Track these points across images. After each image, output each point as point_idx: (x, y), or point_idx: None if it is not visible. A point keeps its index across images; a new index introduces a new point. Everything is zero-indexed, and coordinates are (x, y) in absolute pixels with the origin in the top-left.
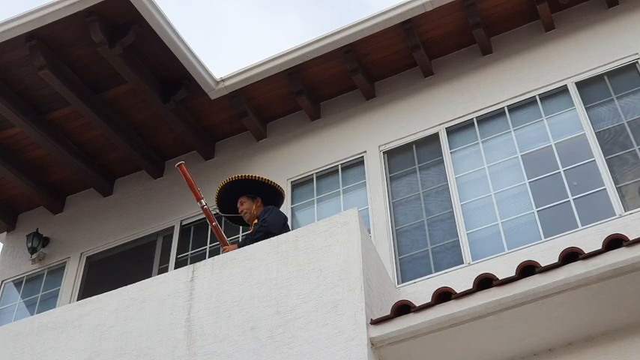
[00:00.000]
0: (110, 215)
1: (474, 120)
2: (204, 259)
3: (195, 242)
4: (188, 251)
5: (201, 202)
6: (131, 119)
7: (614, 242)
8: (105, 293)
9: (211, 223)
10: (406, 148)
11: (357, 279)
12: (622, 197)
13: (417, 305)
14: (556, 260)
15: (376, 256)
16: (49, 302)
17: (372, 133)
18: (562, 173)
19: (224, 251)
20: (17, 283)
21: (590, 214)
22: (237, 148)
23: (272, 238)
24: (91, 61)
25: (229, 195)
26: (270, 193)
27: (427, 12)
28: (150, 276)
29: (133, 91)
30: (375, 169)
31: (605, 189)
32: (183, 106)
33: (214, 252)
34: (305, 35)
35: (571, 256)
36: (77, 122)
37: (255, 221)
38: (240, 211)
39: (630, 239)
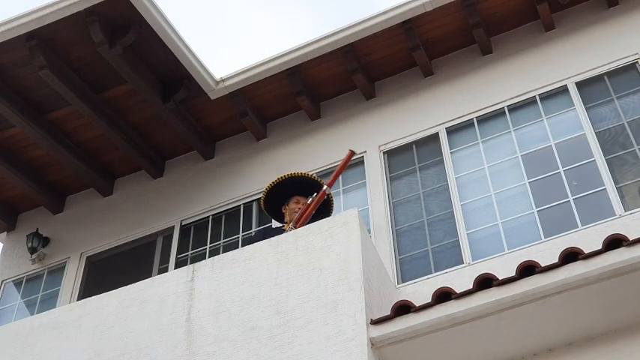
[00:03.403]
0: (110, 215)
1: (474, 120)
2: (204, 259)
3: (195, 242)
4: (188, 251)
5: (328, 189)
6: (131, 119)
7: (614, 242)
8: (105, 293)
9: (314, 208)
10: (406, 148)
11: (357, 279)
12: (622, 197)
13: (417, 305)
14: (556, 260)
15: (376, 256)
16: (49, 302)
17: (372, 133)
18: (562, 173)
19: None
20: (17, 283)
21: (590, 214)
22: (237, 148)
23: (272, 238)
24: (91, 61)
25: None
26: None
27: (427, 12)
28: (150, 276)
29: (133, 91)
30: (375, 169)
31: (605, 189)
32: (183, 106)
33: (214, 252)
34: (310, 34)
35: (571, 256)
36: (77, 122)
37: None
38: (295, 208)
39: (630, 239)
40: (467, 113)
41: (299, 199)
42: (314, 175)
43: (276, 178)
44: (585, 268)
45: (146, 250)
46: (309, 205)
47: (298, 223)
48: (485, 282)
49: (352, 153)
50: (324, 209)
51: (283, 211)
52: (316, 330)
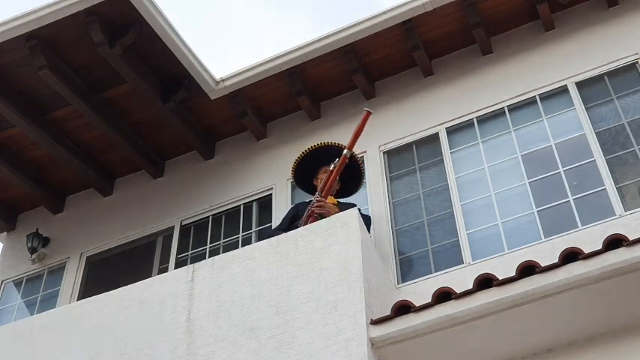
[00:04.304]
0: (110, 215)
1: (474, 120)
2: (204, 259)
3: (195, 242)
4: (188, 251)
5: (350, 152)
6: (131, 119)
7: (614, 242)
8: (105, 293)
9: (337, 173)
10: (406, 148)
11: (357, 279)
12: (622, 197)
13: (417, 305)
14: (556, 260)
15: (376, 256)
16: (49, 302)
17: (372, 133)
18: (562, 173)
19: (320, 203)
20: (17, 283)
21: (590, 214)
22: (237, 148)
23: (272, 238)
24: (91, 61)
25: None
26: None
27: (427, 12)
28: (150, 276)
29: (133, 91)
30: (375, 169)
31: (605, 189)
32: (183, 106)
33: (214, 252)
34: (310, 34)
35: (571, 256)
36: (77, 122)
37: (333, 199)
38: (325, 178)
39: (630, 239)
40: (467, 113)
41: (326, 169)
42: (335, 142)
43: (299, 154)
44: (585, 268)
45: (146, 250)
46: (332, 171)
47: (324, 192)
48: (485, 282)
49: (369, 113)
50: (355, 174)
51: (315, 183)
52: (316, 330)
